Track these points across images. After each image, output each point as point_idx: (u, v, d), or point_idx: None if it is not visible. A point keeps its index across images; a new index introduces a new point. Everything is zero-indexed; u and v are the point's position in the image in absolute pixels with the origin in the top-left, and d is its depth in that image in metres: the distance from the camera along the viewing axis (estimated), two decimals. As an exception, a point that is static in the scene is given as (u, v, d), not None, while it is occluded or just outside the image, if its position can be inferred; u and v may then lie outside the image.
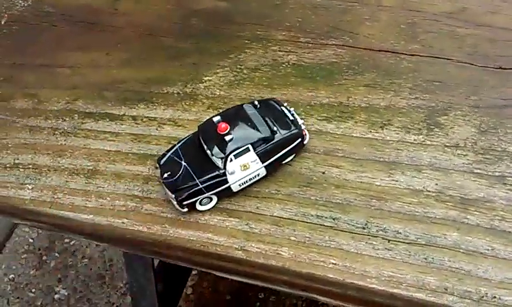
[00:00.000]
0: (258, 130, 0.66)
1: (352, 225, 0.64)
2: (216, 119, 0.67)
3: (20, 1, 0.96)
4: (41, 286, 1.41)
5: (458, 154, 0.68)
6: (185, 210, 0.66)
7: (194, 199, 0.65)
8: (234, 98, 0.77)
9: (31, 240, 1.49)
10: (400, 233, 0.63)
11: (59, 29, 0.91)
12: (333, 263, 0.61)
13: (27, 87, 0.83)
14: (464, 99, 0.73)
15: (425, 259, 0.61)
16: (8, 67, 0.87)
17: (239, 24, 0.86)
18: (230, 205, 0.67)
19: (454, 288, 0.59)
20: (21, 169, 0.74)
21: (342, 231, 0.64)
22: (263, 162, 0.66)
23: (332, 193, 0.66)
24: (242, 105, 0.70)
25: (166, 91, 0.80)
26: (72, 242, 1.46)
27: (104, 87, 0.81)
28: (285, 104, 0.71)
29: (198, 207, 0.66)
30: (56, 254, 1.46)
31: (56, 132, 0.77)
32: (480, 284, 0.58)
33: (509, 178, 0.65)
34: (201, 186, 0.65)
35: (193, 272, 1.34)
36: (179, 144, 0.69)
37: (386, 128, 0.71)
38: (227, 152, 0.65)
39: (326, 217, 0.65)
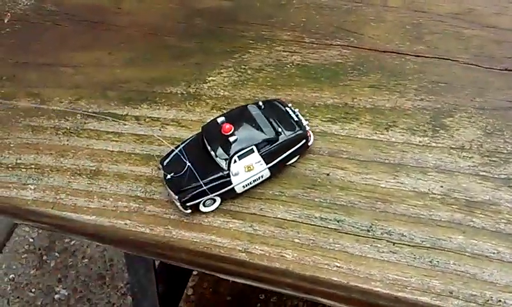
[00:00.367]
0: (262, 131, 0.66)
1: (357, 227, 0.63)
2: (220, 119, 0.67)
3: (23, 0, 0.96)
4: (41, 286, 1.41)
5: (464, 156, 0.67)
6: (189, 211, 0.66)
7: (197, 201, 0.65)
8: (238, 98, 0.77)
9: (31, 240, 1.49)
10: (405, 235, 0.62)
11: (63, 28, 0.91)
12: (337, 266, 0.61)
13: (30, 86, 0.83)
14: (470, 101, 0.72)
15: (430, 262, 0.60)
16: (10, 66, 0.87)
17: (243, 24, 0.86)
18: (234, 207, 0.67)
19: (459, 291, 0.58)
20: (23, 169, 0.73)
21: (346, 233, 0.63)
22: (267, 164, 0.66)
23: (336, 195, 0.66)
24: (247, 105, 0.69)
25: (169, 91, 0.79)
26: (72, 242, 1.46)
27: (107, 86, 0.81)
28: (290, 105, 0.71)
29: (202, 208, 0.66)
30: (56, 254, 1.46)
31: (59, 132, 0.77)
32: (486, 288, 0.58)
33: (515, 181, 0.65)
34: (204, 187, 0.64)
35: (194, 273, 1.34)
36: (183, 145, 0.68)
37: (391, 130, 0.71)
38: (231, 153, 0.64)
39: (330, 220, 0.64)
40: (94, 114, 0.77)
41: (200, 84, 0.79)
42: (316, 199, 0.66)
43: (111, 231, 0.68)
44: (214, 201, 0.66)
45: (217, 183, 0.65)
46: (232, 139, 0.65)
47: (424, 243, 0.61)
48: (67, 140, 0.76)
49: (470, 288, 0.58)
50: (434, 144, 0.69)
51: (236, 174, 0.65)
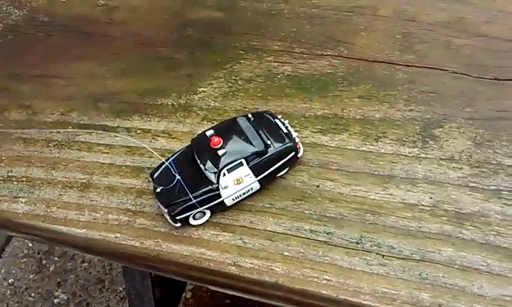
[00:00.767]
0: (251, 144, 0.66)
1: (346, 240, 0.63)
2: (209, 133, 0.67)
3: (16, 11, 0.96)
4: (40, 291, 1.41)
5: (453, 167, 0.67)
6: (179, 224, 0.66)
7: (187, 214, 0.65)
8: (229, 109, 0.77)
9: (30, 245, 1.50)
10: (394, 248, 0.62)
11: (54, 39, 0.91)
12: (326, 279, 0.61)
13: (21, 98, 0.83)
14: (460, 111, 0.72)
15: (420, 275, 0.60)
16: (2, 77, 0.87)
17: (234, 35, 0.86)
18: (224, 219, 0.67)
19: (448, 304, 0.58)
20: (14, 182, 0.74)
21: (335, 246, 0.63)
22: (256, 176, 0.66)
23: (326, 207, 0.66)
24: (236, 118, 0.69)
25: (160, 103, 0.79)
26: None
27: (99, 98, 0.81)
28: (279, 117, 0.71)
29: (192, 222, 0.66)
30: (56, 259, 1.46)
31: (50, 144, 0.77)
32: (475, 301, 0.58)
33: (505, 192, 0.65)
34: (194, 201, 0.64)
35: (192, 277, 1.34)
36: (172, 158, 0.68)
37: (380, 141, 0.71)
38: (220, 167, 0.65)
39: (320, 232, 0.64)
40: (85, 126, 0.77)
41: (191, 95, 0.79)
42: (306, 211, 0.66)
43: (101, 244, 0.68)
44: (204, 214, 0.66)
45: (206, 196, 0.65)
46: (220, 152, 0.65)
47: (413, 256, 0.61)
48: (58, 152, 0.76)
49: (459, 301, 0.58)
50: (423, 155, 0.69)
51: (225, 188, 0.65)
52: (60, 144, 0.77)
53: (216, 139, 0.65)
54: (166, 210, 0.65)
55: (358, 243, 0.63)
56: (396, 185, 0.67)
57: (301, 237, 0.64)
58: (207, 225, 0.67)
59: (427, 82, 0.76)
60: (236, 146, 0.66)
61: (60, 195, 0.72)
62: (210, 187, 0.65)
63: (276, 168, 0.67)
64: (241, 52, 0.83)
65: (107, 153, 0.75)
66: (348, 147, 0.71)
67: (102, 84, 0.83)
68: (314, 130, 0.73)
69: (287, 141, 0.68)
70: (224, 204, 0.66)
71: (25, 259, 1.47)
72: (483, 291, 0.58)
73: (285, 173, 0.69)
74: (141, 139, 0.75)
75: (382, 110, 0.74)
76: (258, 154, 0.66)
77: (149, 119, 0.77)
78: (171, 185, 0.65)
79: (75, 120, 0.79)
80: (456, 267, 0.60)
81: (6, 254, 1.49)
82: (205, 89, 0.80)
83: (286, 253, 0.63)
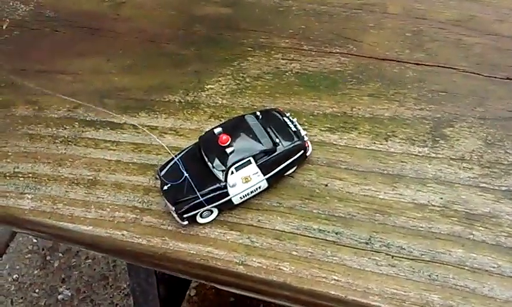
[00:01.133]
0: (259, 142, 0.65)
1: (355, 240, 0.63)
2: (217, 130, 0.66)
3: (22, 6, 0.96)
4: (44, 287, 1.41)
5: (464, 167, 0.67)
6: (186, 222, 0.65)
7: (194, 212, 0.65)
8: (236, 107, 0.76)
9: (34, 240, 1.50)
10: (404, 248, 0.61)
11: (61, 35, 0.90)
12: (335, 280, 0.60)
13: (27, 93, 0.83)
14: (471, 110, 0.71)
15: (430, 276, 0.59)
16: (8, 73, 0.86)
17: (241, 31, 0.85)
18: (231, 218, 0.66)
19: (458, 306, 0.57)
20: (21, 178, 0.73)
21: (344, 246, 0.63)
22: (264, 175, 0.65)
23: (335, 206, 0.65)
24: (244, 115, 0.68)
25: (167, 100, 0.79)
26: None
27: (105, 94, 0.81)
28: (288, 114, 0.70)
29: (199, 220, 0.66)
30: (60, 255, 1.46)
31: (56, 141, 0.77)
32: (486, 303, 0.57)
33: (516, 193, 0.64)
34: (201, 199, 0.64)
35: (196, 275, 1.34)
36: (180, 155, 0.68)
37: (390, 140, 0.70)
38: (228, 165, 0.64)
39: (329, 232, 0.64)
40: (92, 122, 0.76)
41: (198, 92, 0.79)
42: (314, 211, 0.65)
43: (108, 241, 0.67)
44: (211, 212, 0.66)
45: (214, 194, 0.64)
46: (228, 150, 0.64)
47: (423, 256, 0.61)
48: (65, 149, 0.76)
49: (469, 303, 0.57)
50: (433, 155, 0.68)
51: (233, 186, 0.64)
52: (67, 140, 0.76)
53: (224, 136, 0.65)
54: (174, 208, 0.65)
55: (367, 243, 0.62)
56: (406, 185, 0.66)
57: (310, 237, 0.64)
58: (214, 224, 0.66)
59: (437, 81, 0.75)
60: (244, 144, 0.65)
61: (67, 192, 0.71)
62: (218, 185, 0.64)
63: (285, 167, 0.67)
64: (249, 49, 0.83)
65: (114, 149, 0.74)
66: (357, 146, 0.70)
67: (108, 80, 0.82)
68: (323, 129, 0.72)
69: (295, 139, 0.67)
70: (232, 202, 0.66)
71: (29, 255, 1.47)
72: (494, 293, 0.58)
73: (293, 171, 0.68)
74: (148, 136, 0.75)
75: (392, 109, 0.73)
76: (266, 152, 0.65)
77: (156, 116, 0.77)
78: (179, 182, 0.65)
79: (81, 116, 0.79)
80: (467, 268, 0.59)
81: (11, 250, 1.49)
82: (212, 86, 0.79)
83: (294, 253, 0.63)
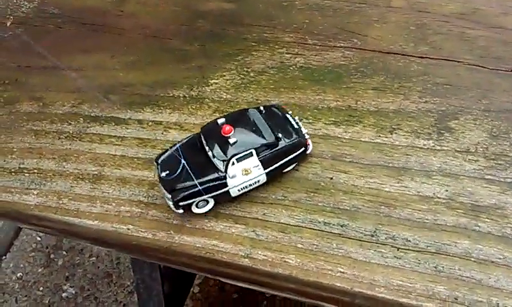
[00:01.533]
0: (262, 136, 0.65)
1: (361, 232, 0.63)
2: (220, 121, 0.66)
3: (26, 3, 0.96)
4: (49, 285, 1.41)
5: (469, 159, 0.67)
6: (181, 211, 0.64)
7: (190, 201, 0.64)
8: (241, 101, 0.76)
9: (38, 239, 1.50)
10: (409, 241, 0.61)
11: (65, 31, 0.90)
12: (340, 272, 0.60)
13: (32, 90, 0.83)
14: (475, 103, 0.71)
15: (435, 268, 0.59)
16: (13, 70, 0.87)
17: (245, 26, 0.85)
18: (236, 211, 0.66)
19: (464, 297, 0.57)
20: (26, 174, 0.73)
21: (350, 238, 0.63)
22: (265, 169, 0.65)
23: (340, 199, 0.65)
24: (247, 109, 0.68)
25: (172, 95, 0.79)
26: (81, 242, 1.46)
27: (110, 90, 0.81)
28: (290, 112, 0.70)
29: (194, 210, 0.65)
30: (64, 253, 1.46)
31: (61, 136, 0.77)
32: (492, 294, 0.57)
33: (521, 185, 0.64)
34: (199, 187, 0.63)
35: (200, 272, 1.34)
36: (180, 143, 0.67)
37: (395, 133, 0.70)
38: (230, 155, 0.64)
39: (334, 224, 0.64)
40: (97, 118, 0.76)
41: (203, 87, 0.79)
42: (319, 204, 0.65)
43: (113, 236, 0.67)
44: (207, 202, 0.65)
45: (212, 184, 0.64)
46: (231, 140, 0.64)
47: (429, 248, 0.61)
48: (70, 144, 0.76)
49: (475, 294, 0.57)
50: (439, 147, 0.68)
51: (233, 177, 0.64)
52: (71, 135, 0.77)
53: (228, 127, 0.65)
54: (170, 196, 0.64)
55: (372, 235, 0.62)
56: (411, 178, 0.66)
57: (315, 229, 0.64)
58: (220, 217, 0.66)
59: (442, 74, 0.75)
60: (247, 137, 0.65)
61: (72, 187, 0.71)
62: (217, 174, 0.64)
63: (285, 162, 0.66)
64: (253, 43, 0.83)
65: (119, 144, 0.74)
66: (362, 139, 0.70)
67: (112, 76, 0.82)
68: (327, 122, 0.72)
69: (296, 136, 0.67)
70: (230, 194, 0.65)
71: (33, 254, 1.47)
72: (500, 284, 0.58)
73: (292, 168, 0.68)
74: (153, 131, 0.75)
75: (396, 102, 0.73)
76: (268, 146, 0.65)
77: (161, 111, 0.77)
78: (177, 170, 0.64)
79: (86, 112, 0.79)
80: (473, 259, 0.59)
81: (15, 248, 1.49)
82: (216, 81, 0.79)
83: (299, 245, 0.63)
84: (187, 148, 0.66)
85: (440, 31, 0.79)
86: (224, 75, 0.80)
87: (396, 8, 0.83)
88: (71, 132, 0.77)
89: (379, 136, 0.70)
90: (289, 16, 0.85)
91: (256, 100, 0.76)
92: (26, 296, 1.40)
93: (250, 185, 0.66)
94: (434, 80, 0.74)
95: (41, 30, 0.91)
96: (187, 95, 0.78)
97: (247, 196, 0.66)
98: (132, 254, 0.77)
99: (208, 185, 0.64)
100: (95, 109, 0.79)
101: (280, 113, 0.69)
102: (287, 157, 0.66)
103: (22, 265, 1.45)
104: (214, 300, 1.34)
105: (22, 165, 0.74)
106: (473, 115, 0.70)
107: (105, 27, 0.90)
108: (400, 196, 0.65)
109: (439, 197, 0.64)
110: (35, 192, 0.72)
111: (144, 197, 0.69)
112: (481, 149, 0.67)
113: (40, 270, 1.44)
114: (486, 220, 0.62)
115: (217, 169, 0.64)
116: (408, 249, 0.61)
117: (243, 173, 0.64)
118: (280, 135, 0.66)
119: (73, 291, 1.39)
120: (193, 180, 0.63)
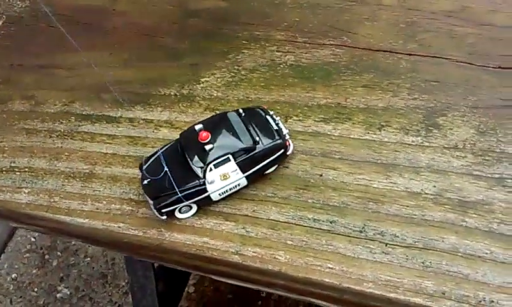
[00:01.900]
0: (239, 140, 0.65)
1: (350, 228, 0.63)
2: (197, 127, 0.66)
3: (18, 2, 0.96)
4: (43, 285, 1.41)
5: (457, 156, 0.67)
6: (164, 217, 0.65)
7: (173, 207, 0.65)
8: (231, 99, 0.76)
9: (33, 240, 1.50)
10: (397, 236, 0.62)
11: (57, 30, 0.90)
12: (329, 268, 0.61)
13: (24, 89, 0.83)
14: (463, 99, 0.72)
15: (423, 263, 0.60)
16: (5, 68, 0.87)
17: (237, 24, 0.86)
18: (226, 208, 0.67)
19: (451, 292, 0.58)
20: (17, 173, 0.74)
21: (338, 234, 0.63)
22: (244, 172, 0.65)
23: (329, 196, 0.66)
24: (227, 113, 0.68)
25: (163, 93, 0.79)
26: (74, 242, 1.46)
27: (101, 88, 0.81)
28: (272, 113, 0.70)
29: (177, 215, 0.66)
30: (58, 253, 1.46)
31: (53, 135, 0.77)
32: (479, 289, 0.58)
33: (508, 180, 0.64)
34: (180, 195, 0.64)
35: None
36: (162, 150, 0.68)
37: (384, 130, 0.70)
38: (207, 161, 0.64)
39: (323, 221, 0.64)
40: (88, 116, 0.77)
41: (194, 85, 0.79)
42: (309, 200, 0.66)
43: (104, 234, 0.68)
44: (190, 208, 0.66)
45: (192, 191, 0.64)
46: (208, 147, 0.64)
47: (417, 244, 0.61)
48: (61, 143, 0.76)
49: (462, 289, 0.58)
50: (427, 144, 0.68)
51: (212, 183, 0.65)
52: (63, 134, 0.77)
53: (204, 133, 0.65)
54: (152, 202, 0.65)
55: (361, 231, 0.63)
56: (399, 174, 0.66)
57: (304, 226, 0.64)
58: (210, 214, 0.66)
59: (430, 71, 0.75)
60: (224, 142, 0.65)
61: (63, 185, 0.72)
62: (196, 181, 0.64)
63: (264, 165, 0.67)
64: (244, 41, 0.83)
65: (110, 143, 0.75)
66: (351, 136, 0.70)
67: (104, 75, 0.83)
68: (317, 119, 0.73)
69: (276, 138, 0.67)
70: (211, 199, 0.66)
71: (28, 255, 1.47)
72: (487, 278, 0.58)
73: (274, 170, 0.68)
74: (144, 129, 0.75)
75: (385, 99, 0.73)
76: (246, 150, 0.65)
77: (151, 109, 0.77)
78: (159, 177, 0.65)
79: (78, 111, 0.79)
80: (460, 254, 0.60)
81: (9, 249, 1.49)
82: (207, 79, 0.79)
83: (289, 242, 0.63)
84: (169, 154, 0.67)
85: (429, 29, 0.80)
86: (215, 73, 0.80)
87: (386, 6, 0.83)
88: (62, 130, 0.77)
89: (368, 133, 0.70)
90: (280, 14, 0.86)
91: (247, 97, 0.76)
92: (21, 297, 1.40)
93: (230, 189, 0.66)
94: (423, 77, 0.75)
95: (33, 29, 0.91)
96: (178, 93, 0.79)
97: (237, 193, 0.67)
98: (123, 252, 0.77)
99: (188, 191, 0.64)
100: (86, 107, 0.79)
101: (260, 114, 0.69)
102: (266, 160, 0.66)
103: (16, 266, 1.45)
104: (209, 301, 1.34)
105: (13, 164, 0.75)
106: (461, 112, 0.71)
107: (97, 25, 0.90)
108: (389, 192, 0.65)
109: (427, 193, 0.65)
110: (26, 191, 0.72)
111: (135, 195, 0.69)
112: (469, 145, 0.68)
113: (34, 271, 1.44)
114: (473, 215, 0.62)
115: (196, 176, 0.65)
116: (396, 245, 0.61)
117: (222, 178, 0.65)
118: (258, 138, 0.66)
119: (68, 292, 1.39)
120: (174, 188, 0.64)
